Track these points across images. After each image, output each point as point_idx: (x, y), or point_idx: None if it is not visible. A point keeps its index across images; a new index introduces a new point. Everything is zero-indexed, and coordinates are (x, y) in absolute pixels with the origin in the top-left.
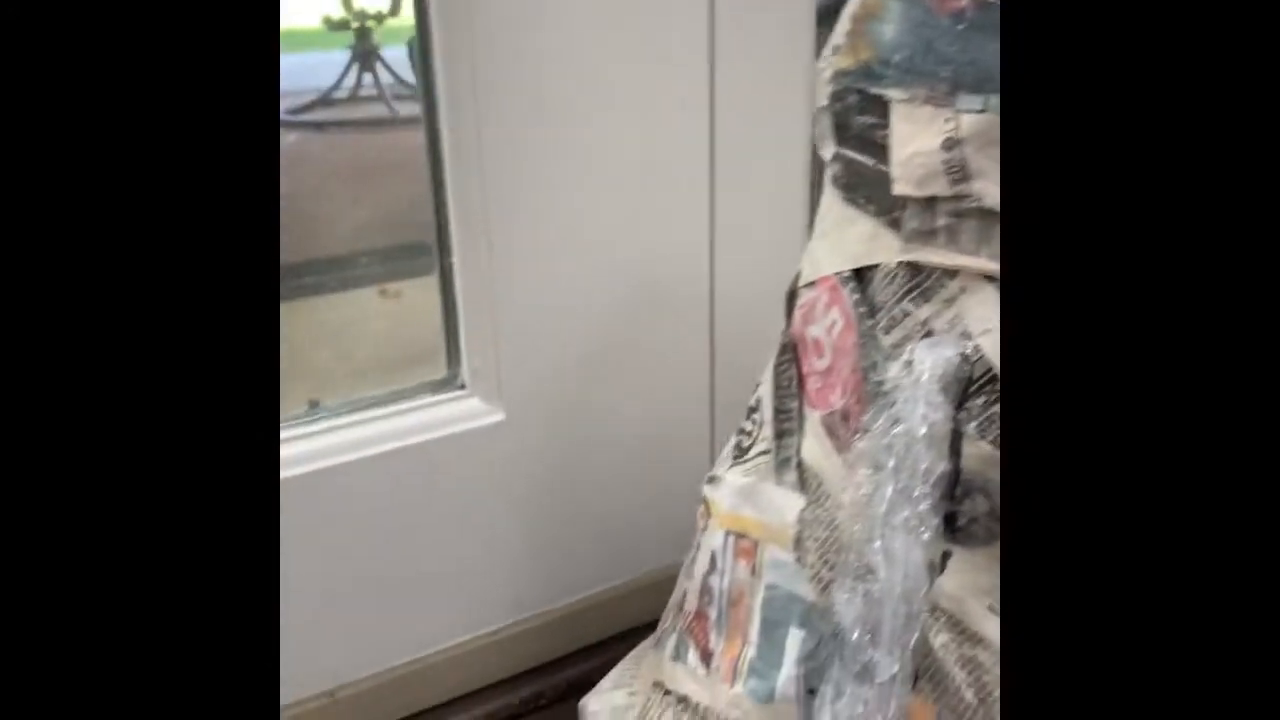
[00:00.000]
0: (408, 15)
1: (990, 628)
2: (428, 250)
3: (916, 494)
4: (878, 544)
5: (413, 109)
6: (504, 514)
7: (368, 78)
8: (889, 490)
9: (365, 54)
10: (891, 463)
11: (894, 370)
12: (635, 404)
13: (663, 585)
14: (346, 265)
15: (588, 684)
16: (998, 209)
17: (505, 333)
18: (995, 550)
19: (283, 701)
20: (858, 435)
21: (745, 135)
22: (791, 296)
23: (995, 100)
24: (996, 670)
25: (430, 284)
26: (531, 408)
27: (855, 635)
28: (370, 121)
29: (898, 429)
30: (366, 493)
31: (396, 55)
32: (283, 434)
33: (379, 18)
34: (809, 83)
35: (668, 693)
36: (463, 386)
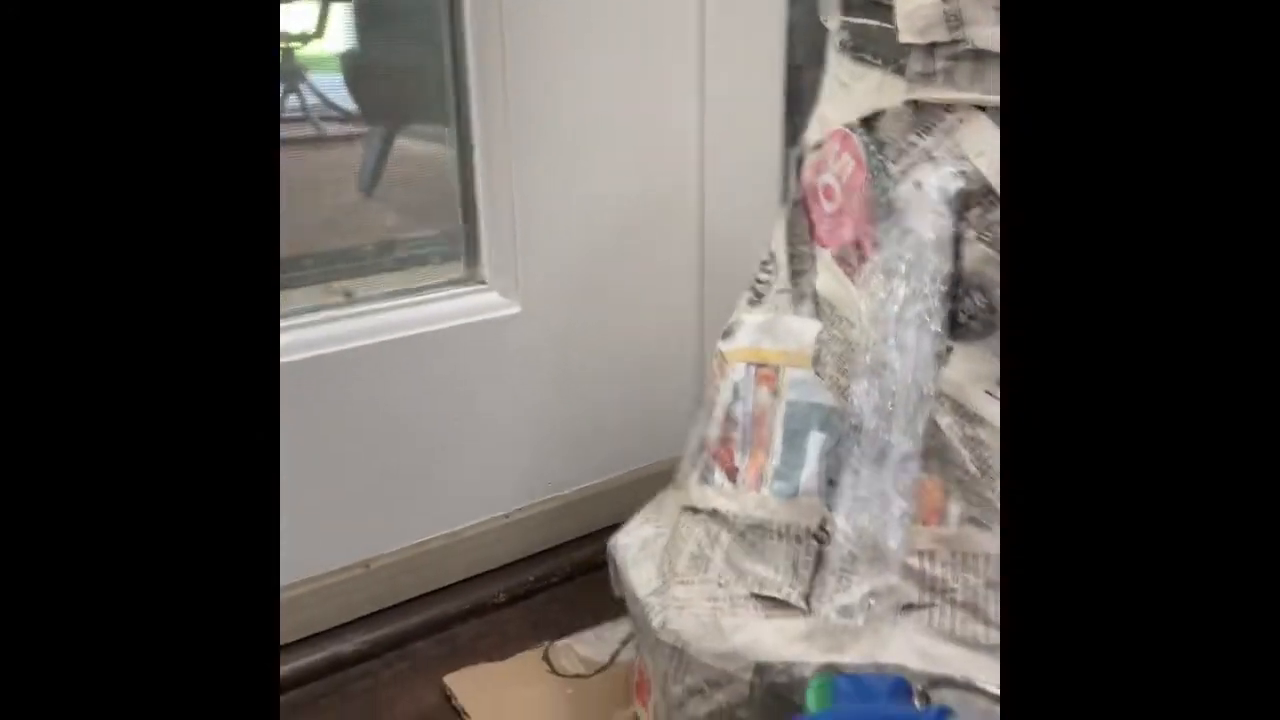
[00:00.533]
0: (335, 41)
1: (988, 409)
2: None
3: (926, 290)
4: (892, 339)
5: (343, 129)
6: (520, 401)
7: (293, 99)
8: (902, 291)
9: (289, 74)
10: (903, 268)
11: (904, 189)
12: (635, 303)
13: (663, 477)
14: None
15: (594, 565)
16: (989, 50)
17: (522, 235)
18: (991, 343)
19: (322, 570)
20: (871, 254)
21: (730, 67)
22: (799, 160)
23: None
24: (995, 446)
25: None
26: (545, 302)
27: (872, 423)
28: (294, 140)
29: (909, 238)
30: (397, 375)
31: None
32: (317, 319)
33: (303, 38)
34: (783, 20)
35: (697, 512)
36: (483, 282)
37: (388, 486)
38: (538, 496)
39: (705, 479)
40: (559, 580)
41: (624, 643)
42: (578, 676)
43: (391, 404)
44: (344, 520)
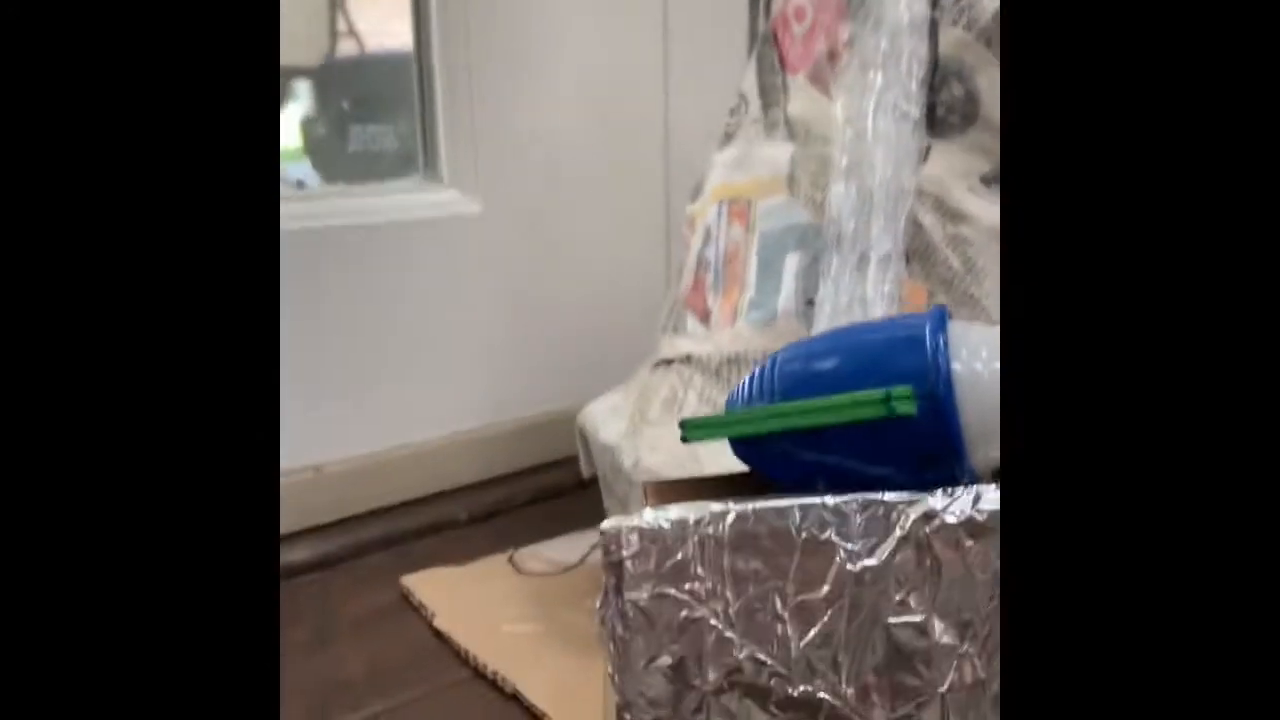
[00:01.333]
0: None
1: (971, 205)
2: None
3: (903, 77)
4: (869, 132)
5: None
6: (480, 310)
7: None
8: (878, 80)
9: None
10: (879, 57)
11: None
12: (599, 216)
13: None
14: None
15: (561, 490)
16: None
17: (482, 134)
18: (970, 138)
19: None
20: (845, 55)
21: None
22: (767, 2)
23: None
24: (978, 242)
25: None
26: (506, 204)
27: (851, 226)
28: None
29: (883, 26)
30: (349, 265)
31: None
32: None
33: None
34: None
35: (669, 363)
36: (440, 180)
37: (337, 386)
38: (501, 415)
39: (677, 329)
40: (523, 503)
41: (596, 546)
42: (545, 575)
43: (343, 297)
44: (290, 417)
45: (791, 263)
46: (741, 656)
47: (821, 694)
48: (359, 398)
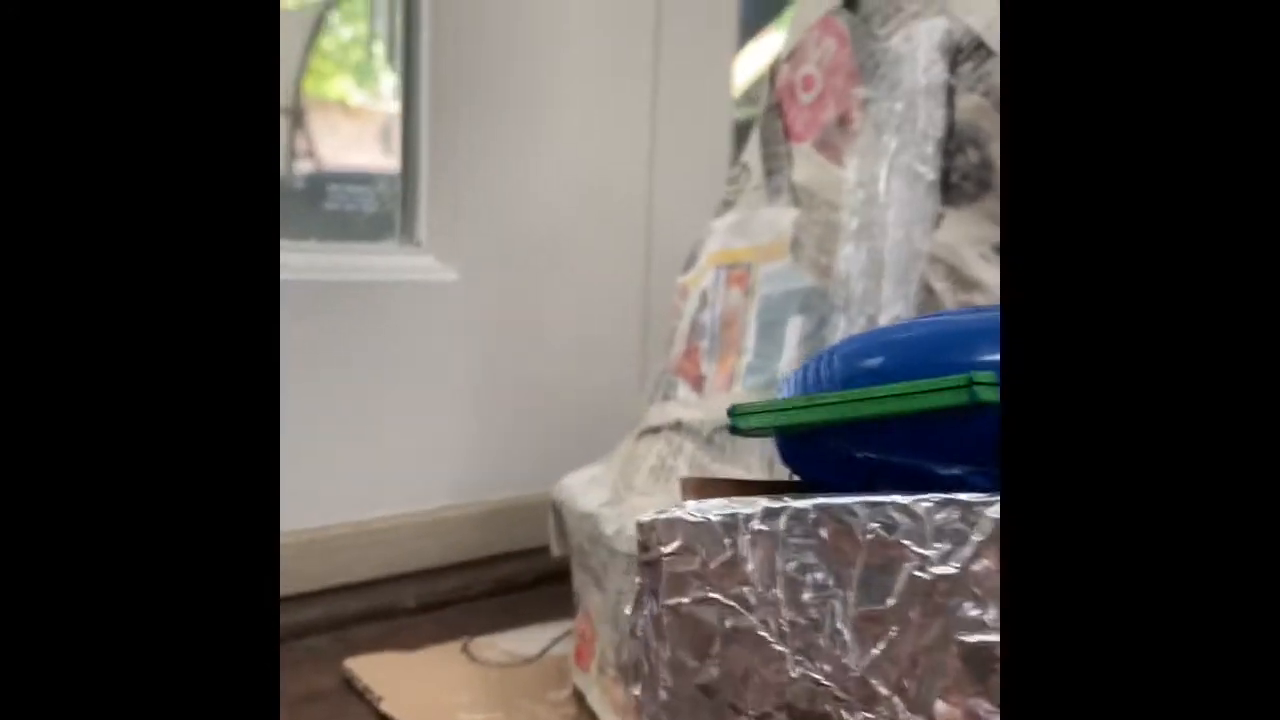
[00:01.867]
0: None
1: (983, 273)
2: None
3: (919, 138)
4: (881, 194)
5: None
6: (447, 382)
7: None
8: (893, 142)
9: None
10: (894, 120)
11: (893, 43)
12: (576, 293)
13: None
14: None
15: (516, 584)
16: None
17: (464, 201)
18: (984, 206)
19: None
20: (858, 119)
21: (683, 75)
22: (773, 73)
23: None
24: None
25: None
26: (483, 274)
27: (860, 288)
28: None
29: (899, 89)
30: (319, 320)
31: None
32: None
33: None
34: (734, 41)
35: (657, 430)
36: (418, 244)
37: (287, 451)
38: (462, 498)
39: (667, 397)
40: (479, 594)
41: (558, 640)
42: (504, 666)
43: (301, 356)
44: None
45: (794, 327)
46: (794, 675)
47: None
48: (309, 467)
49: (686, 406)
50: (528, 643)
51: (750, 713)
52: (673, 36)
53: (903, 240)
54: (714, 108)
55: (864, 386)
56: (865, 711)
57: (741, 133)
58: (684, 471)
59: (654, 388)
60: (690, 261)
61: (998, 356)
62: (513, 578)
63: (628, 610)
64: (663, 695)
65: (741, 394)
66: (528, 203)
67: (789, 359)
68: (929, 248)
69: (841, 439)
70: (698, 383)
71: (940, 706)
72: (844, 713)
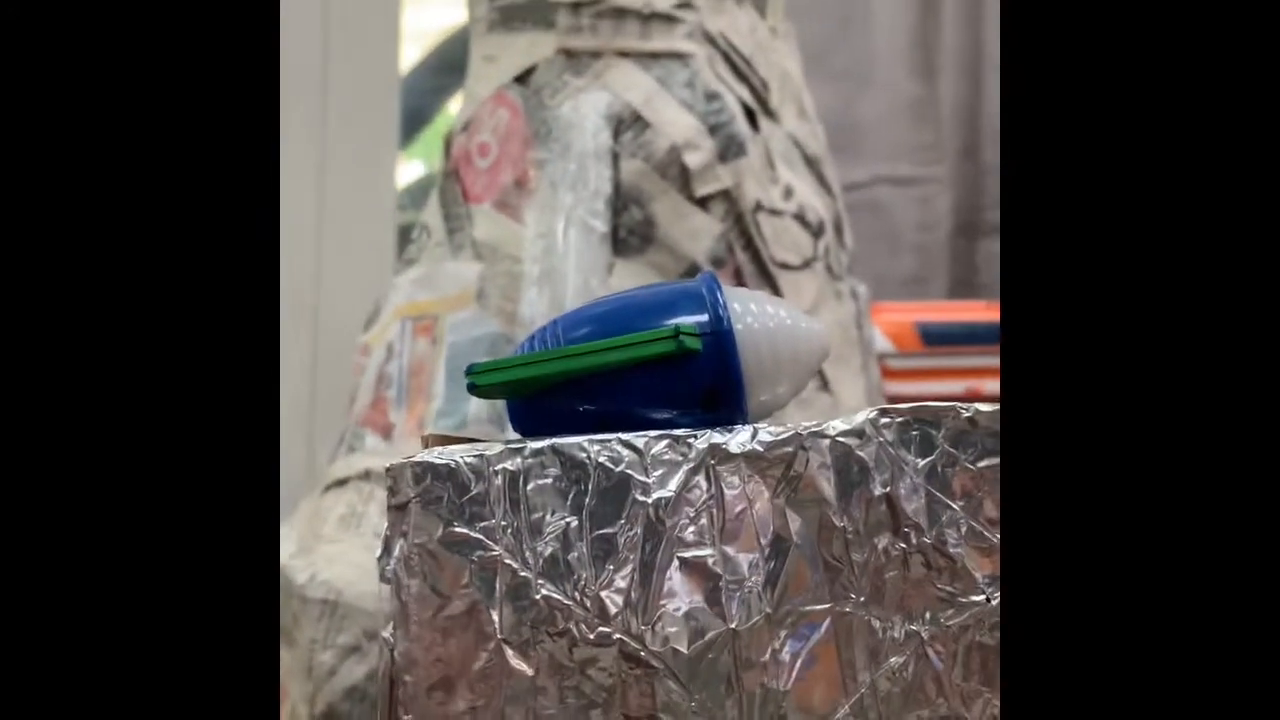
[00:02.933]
0: None
1: None
2: None
3: (590, 195)
4: (560, 245)
5: None
6: None
7: None
8: (568, 198)
9: None
10: (568, 179)
11: (563, 111)
12: None
13: None
14: None
15: None
16: (627, 7)
17: None
18: (648, 257)
19: None
20: (533, 180)
21: (348, 168)
22: (448, 143)
23: None
24: None
25: None
26: None
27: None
28: None
29: (571, 151)
30: None
31: None
32: None
33: None
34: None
35: (343, 483)
36: None
37: None
38: None
39: (352, 448)
40: None
41: None
42: None
43: None
44: None
45: None
46: (538, 598)
47: (617, 634)
48: None
49: (375, 455)
50: None
51: (500, 636)
52: (337, 135)
53: (581, 286)
54: (378, 198)
55: (582, 340)
56: (603, 625)
57: (404, 233)
58: (375, 519)
59: (337, 445)
60: (372, 318)
61: (685, 318)
62: None
63: (324, 657)
64: (414, 629)
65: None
66: None
67: (479, 403)
68: (604, 293)
69: (568, 395)
70: (386, 431)
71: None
72: (584, 627)
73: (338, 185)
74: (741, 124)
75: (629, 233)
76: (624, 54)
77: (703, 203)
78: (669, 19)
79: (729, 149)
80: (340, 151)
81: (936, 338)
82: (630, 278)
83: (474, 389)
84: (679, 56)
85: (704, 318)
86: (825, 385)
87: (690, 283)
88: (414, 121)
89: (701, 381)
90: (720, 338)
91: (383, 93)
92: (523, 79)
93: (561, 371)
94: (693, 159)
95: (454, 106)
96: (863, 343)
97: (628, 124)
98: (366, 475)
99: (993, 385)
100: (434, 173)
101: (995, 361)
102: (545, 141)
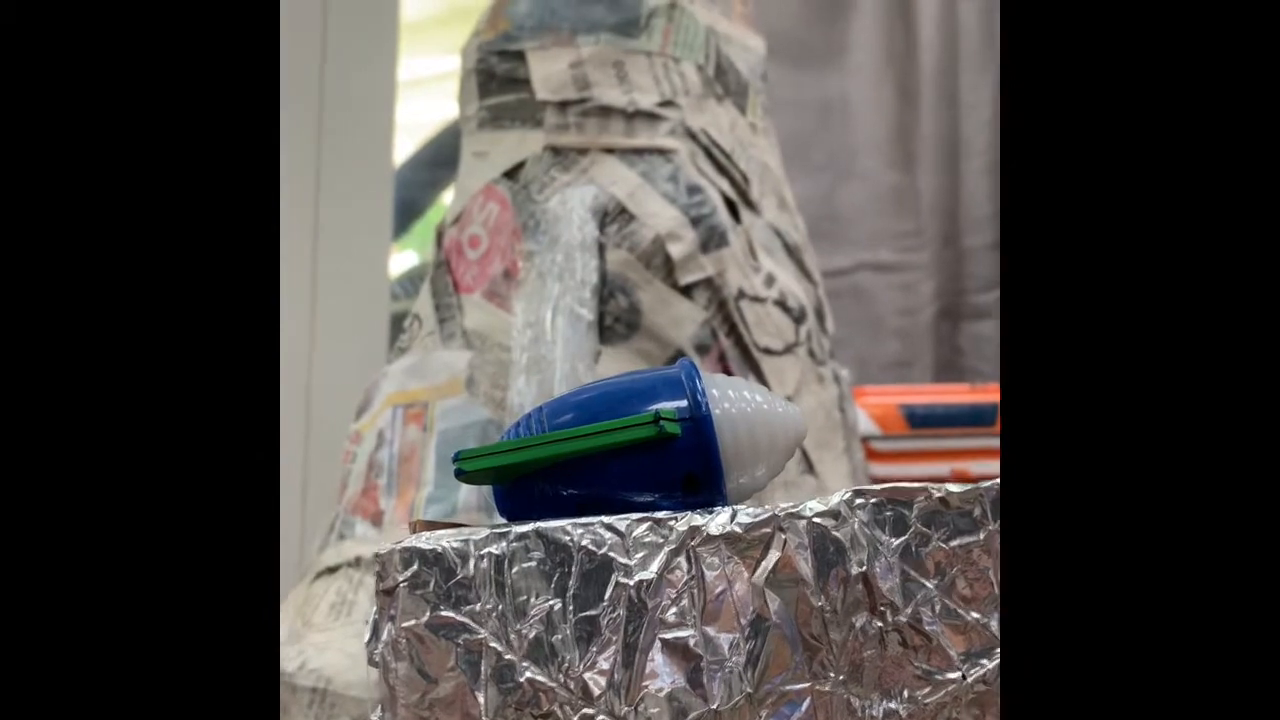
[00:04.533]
0: None
1: None
2: None
3: (578, 285)
4: (548, 334)
5: None
6: None
7: None
8: (555, 288)
9: None
10: (555, 269)
11: (551, 205)
12: None
13: None
14: None
15: None
16: (612, 105)
17: None
18: (634, 344)
19: None
20: (522, 270)
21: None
22: (440, 235)
23: (603, 35)
24: None
25: None
26: None
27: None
28: None
29: (558, 243)
30: None
31: None
32: None
33: None
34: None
35: (333, 570)
36: None
37: None
38: None
39: (342, 535)
40: None
41: None
42: None
43: None
44: None
45: None
46: (522, 680)
47: (601, 715)
48: None
49: (366, 542)
50: None
51: (485, 719)
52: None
53: (569, 373)
54: (372, 287)
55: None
56: (586, 707)
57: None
58: (365, 606)
59: (326, 533)
60: (364, 406)
61: (665, 403)
62: None
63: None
64: (402, 712)
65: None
66: None
67: (469, 489)
68: (591, 379)
69: (551, 480)
70: (377, 518)
71: (649, 692)
72: (568, 709)
73: (332, 274)
74: (723, 215)
75: (615, 320)
76: (609, 150)
77: (686, 291)
78: (652, 116)
79: (711, 239)
80: (334, 242)
81: (921, 420)
82: (617, 364)
83: (461, 475)
84: (662, 152)
85: (683, 403)
86: (810, 468)
87: (670, 369)
88: (407, 213)
89: (682, 465)
90: (699, 423)
91: (377, 185)
92: (512, 174)
93: (545, 457)
94: (676, 249)
95: (446, 198)
96: (846, 426)
97: (613, 216)
98: (356, 562)
99: (978, 466)
100: (426, 263)
101: (980, 443)
102: (534, 234)
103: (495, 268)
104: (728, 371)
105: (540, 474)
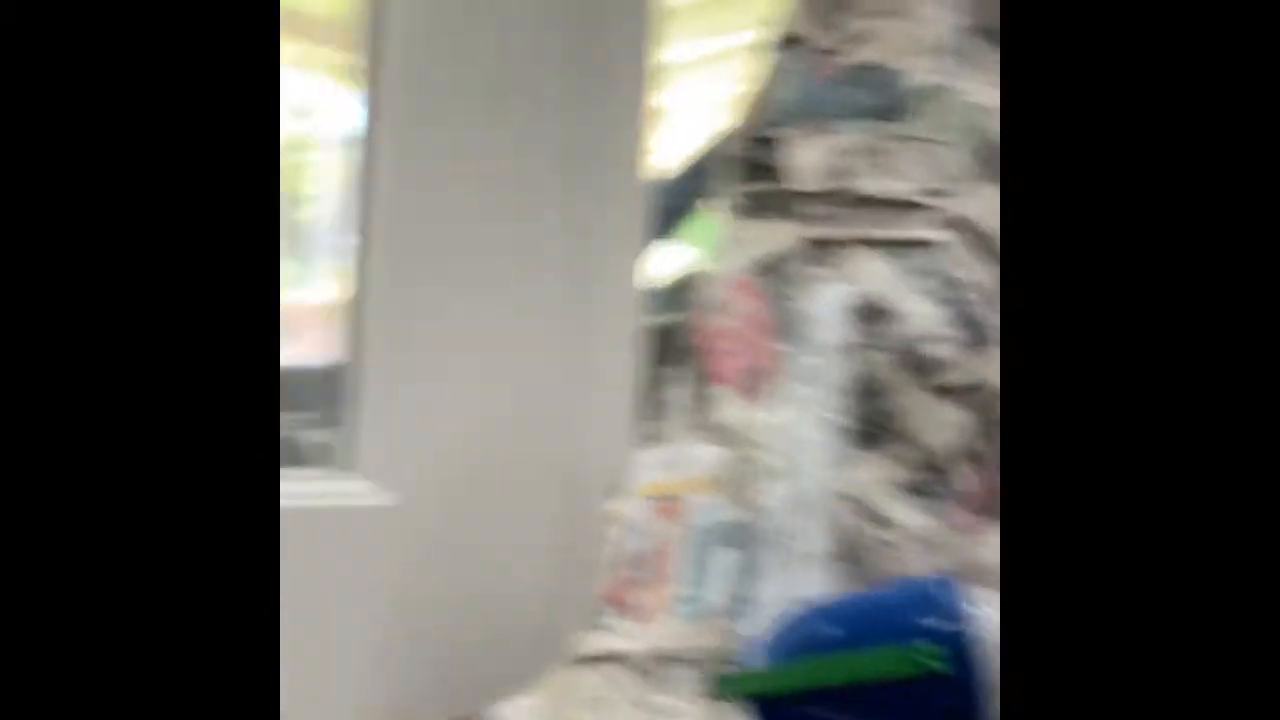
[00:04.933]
0: None
1: (894, 511)
2: None
3: (832, 392)
4: (799, 435)
5: None
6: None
7: None
8: (808, 392)
9: None
10: (809, 374)
11: (807, 303)
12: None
13: None
14: None
15: None
16: (869, 195)
17: (402, 426)
18: (888, 449)
19: None
20: (776, 371)
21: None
22: (698, 316)
23: (864, 121)
24: (905, 547)
25: None
26: (416, 499)
27: (783, 524)
28: None
29: (813, 346)
30: None
31: None
32: None
33: None
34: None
35: (590, 661)
36: (349, 466)
37: None
38: None
39: (598, 625)
40: None
41: None
42: None
43: None
44: None
45: (722, 559)
46: None
47: None
48: None
49: (621, 636)
50: None
51: None
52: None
53: (820, 480)
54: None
55: (828, 650)
56: None
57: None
58: (624, 703)
59: (587, 615)
60: (618, 491)
61: (926, 623)
62: None
63: None
64: None
65: (675, 625)
66: (460, 429)
67: (718, 590)
68: (841, 487)
69: (812, 704)
70: (628, 612)
71: None
72: None
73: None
74: (989, 311)
75: (869, 424)
76: (868, 242)
77: (946, 393)
78: (914, 206)
79: (975, 338)
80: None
81: None
82: (870, 470)
83: (720, 697)
84: (924, 244)
85: (946, 629)
86: None
87: (933, 587)
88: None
89: (942, 699)
90: (963, 659)
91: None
92: (768, 266)
93: (805, 688)
94: (935, 350)
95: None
96: None
97: (868, 315)
98: (611, 657)
99: None
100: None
101: None
102: (788, 332)
103: (748, 363)
104: (989, 478)
105: (802, 694)
